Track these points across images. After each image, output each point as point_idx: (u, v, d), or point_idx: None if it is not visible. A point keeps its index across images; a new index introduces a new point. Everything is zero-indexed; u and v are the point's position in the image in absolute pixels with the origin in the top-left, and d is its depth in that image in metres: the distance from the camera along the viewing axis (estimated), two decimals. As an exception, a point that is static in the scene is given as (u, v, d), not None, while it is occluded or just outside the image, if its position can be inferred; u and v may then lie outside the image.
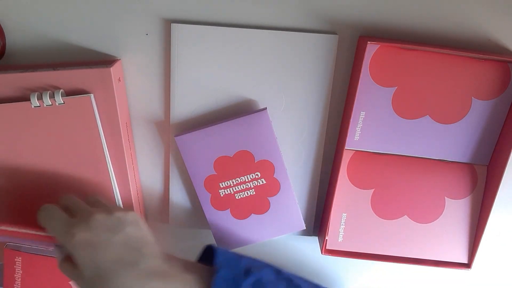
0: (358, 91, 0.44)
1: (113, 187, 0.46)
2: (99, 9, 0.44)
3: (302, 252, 0.55)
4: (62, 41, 0.46)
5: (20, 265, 0.47)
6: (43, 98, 0.41)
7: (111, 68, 0.42)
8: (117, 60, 0.46)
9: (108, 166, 0.45)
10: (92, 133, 0.44)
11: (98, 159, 0.45)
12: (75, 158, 0.45)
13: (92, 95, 0.42)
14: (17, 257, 0.47)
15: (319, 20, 0.45)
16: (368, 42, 0.41)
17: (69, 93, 0.43)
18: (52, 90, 0.42)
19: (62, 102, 0.42)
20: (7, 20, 0.45)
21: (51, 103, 0.42)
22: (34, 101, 0.41)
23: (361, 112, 0.46)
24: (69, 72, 0.42)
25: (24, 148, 0.44)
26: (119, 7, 0.44)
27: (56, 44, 0.46)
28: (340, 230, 0.50)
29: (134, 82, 0.47)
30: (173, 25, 0.44)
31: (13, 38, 0.45)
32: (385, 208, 0.50)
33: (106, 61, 0.46)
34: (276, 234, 0.51)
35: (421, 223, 0.50)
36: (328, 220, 0.49)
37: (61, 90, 0.42)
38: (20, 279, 0.48)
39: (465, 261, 0.51)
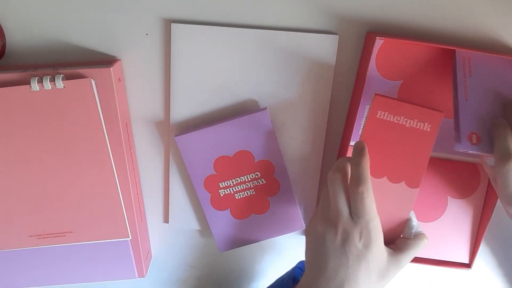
0: (365, 86, 0.43)
1: (115, 178, 0.46)
2: (99, 9, 0.44)
3: (302, 251, 0.55)
4: (62, 41, 0.46)
5: None
6: (43, 82, 0.41)
7: (111, 68, 0.42)
8: (117, 60, 0.46)
9: (110, 155, 0.45)
10: (93, 118, 0.43)
11: (99, 147, 0.44)
12: (76, 146, 0.44)
13: (92, 79, 0.41)
14: None
15: (319, 20, 0.45)
16: (377, 37, 0.41)
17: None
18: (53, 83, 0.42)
19: (62, 86, 0.41)
20: (7, 20, 0.45)
21: (51, 87, 0.41)
22: (34, 85, 0.41)
23: (367, 106, 0.45)
24: (69, 72, 0.42)
25: (22, 134, 0.43)
26: (119, 7, 0.44)
27: (56, 44, 0.46)
28: (340, 230, 0.50)
29: (134, 82, 0.47)
30: (173, 25, 0.44)
31: (13, 38, 0.46)
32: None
33: (106, 61, 0.46)
34: (276, 234, 0.51)
35: (423, 221, 0.50)
36: (328, 220, 0.49)
37: (61, 75, 0.41)
38: None
39: (466, 261, 0.51)
